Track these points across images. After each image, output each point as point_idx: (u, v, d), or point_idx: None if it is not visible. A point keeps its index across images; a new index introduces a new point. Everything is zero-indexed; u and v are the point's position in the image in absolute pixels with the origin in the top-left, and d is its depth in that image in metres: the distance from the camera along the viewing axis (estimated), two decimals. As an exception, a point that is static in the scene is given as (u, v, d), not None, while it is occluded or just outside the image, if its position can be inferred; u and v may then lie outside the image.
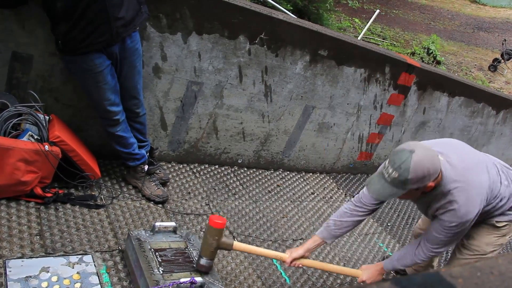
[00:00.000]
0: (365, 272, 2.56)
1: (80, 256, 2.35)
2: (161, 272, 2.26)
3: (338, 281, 3.09)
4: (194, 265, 2.40)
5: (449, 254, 2.94)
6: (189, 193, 3.32)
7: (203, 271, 2.37)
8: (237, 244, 2.41)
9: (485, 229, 2.53)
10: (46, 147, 2.49)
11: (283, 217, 3.52)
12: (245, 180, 3.83)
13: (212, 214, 2.31)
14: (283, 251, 3.10)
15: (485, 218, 2.44)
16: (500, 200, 2.34)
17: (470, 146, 2.43)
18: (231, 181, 3.73)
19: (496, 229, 2.51)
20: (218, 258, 2.80)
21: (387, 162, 2.08)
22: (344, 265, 3.26)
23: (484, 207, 2.25)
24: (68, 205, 2.69)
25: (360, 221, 2.58)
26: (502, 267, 0.69)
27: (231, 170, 3.87)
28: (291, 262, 2.48)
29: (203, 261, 2.35)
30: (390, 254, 3.63)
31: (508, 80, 11.70)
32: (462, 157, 2.24)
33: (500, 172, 2.36)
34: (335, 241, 3.47)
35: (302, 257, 2.50)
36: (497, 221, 2.47)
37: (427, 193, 2.20)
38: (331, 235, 2.54)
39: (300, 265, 2.52)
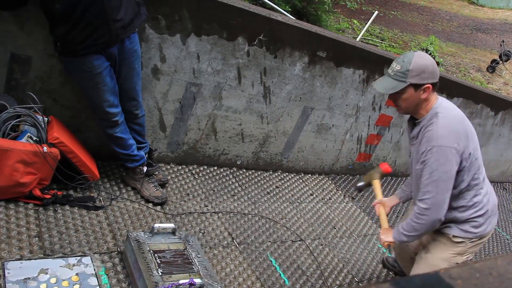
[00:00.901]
0: (383, 231, 2.67)
1: (79, 258, 2.35)
2: (160, 274, 2.26)
3: (337, 282, 3.09)
4: (193, 267, 2.40)
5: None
6: (188, 194, 3.32)
7: (357, 190, 3.04)
8: (375, 182, 2.91)
9: (442, 243, 2.52)
10: (45, 148, 2.49)
11: (282, 219, 3.52)
12: (244, 181, 3.83)
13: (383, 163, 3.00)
14: (282, 252, 3.11)
15: (452, 216, 2.39)
16: (467, 171, 2.29)
17: None
18: (230, 182, 3.73)
19: (452, 245, 2.48)
20: (217, 259, 2.80)
21: (393, 61, 2.28)
22: (343, 266, 3.26)
23: (461, 169, 2.24)
24: (67, 207, 2.69)
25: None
26: (501, 268, 0.69)
27: (230, 171, 3.87)
28: (376, 203, 2.85)
29: (360, 184, 2.95)
30: (389, 255, 3.63)
31: (506, 81, 11.73)
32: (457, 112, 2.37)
33: (481, 167, 2.41)
34: (333, 243, 3.47)
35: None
36: (454, 236, 2.45)
37: (419, 122, 2.30)
38: (401, 190, 2.89)
39: (377, 212, 2.84)
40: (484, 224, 2.43)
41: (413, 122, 2.41)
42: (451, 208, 2.33)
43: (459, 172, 2.25)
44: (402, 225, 2.45)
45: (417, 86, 2.20)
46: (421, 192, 2.28)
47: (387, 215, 2.79)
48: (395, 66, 2.22)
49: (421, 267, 2.65)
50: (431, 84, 2.21)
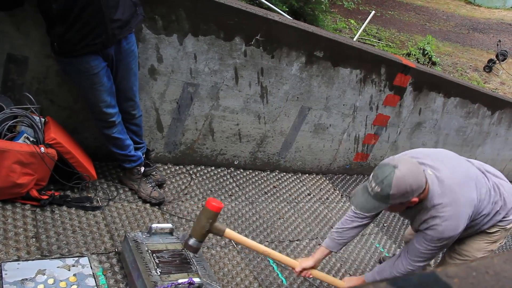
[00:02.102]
0: (348, 283, 2.55)
1: (76, 258, 2.34)
2: (159, 274, 2.26)
3: (335, 281, 3.09)
4: (191, 267, 2.40)
5: (438, 258, 2.95)
6: (185, 194, 3.31)
7: (191, 251, 2.32)
8: (229, 231, 2.30)
9: (477, 235, 2.52)
10: (42, 149, 2.49)
11: (279, 218, 3.53)
12: (241, 181, 3.83)
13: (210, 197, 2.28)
14: (280, 252, 3.10)
15: (469, 232, 2.43)
16: (484, 217, 2.34)
17: (465, 160, 2.40)
18: (228, 182, 3.73)
19: (487, 235, 2.50)
20: (215, 259, 2.80)
21: (371, 176, 2.08)
22: (341, 266, 3.26)
23: (467, 224, 2.23)
24: (64, 207, 2.68)
25: (362, 227, 2.57)
26: (497, 266, 0.70)
27: (227, 172, 3.87)
28: (301, 271, 2.49)
29: (192, 242, 2.26)
30: (387, 254, 3.64)
31: (503, 81, 11.76)
32: (452, 172, 2.21)
33: (491, 190, 2.33)
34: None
35: (312, 267, 2.51)
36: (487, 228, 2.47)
37: (412, 207, 2.21)
38: (336, 243, 2.56)
39: (310, 275, 2.52)
40: (510, 212, 2.44)
41: None
42: (469, 228, 2.35)
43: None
44: (379, 270, 2.48)
45: (401, 203, 2.08)
46: (415, 253, 2.28)
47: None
48: (375, 186, 2.02)
49: (456, 259, 2.64)
50: (417, 197, 2.05)
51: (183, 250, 2.51)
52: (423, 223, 2.22)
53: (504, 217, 2.42)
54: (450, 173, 2.19)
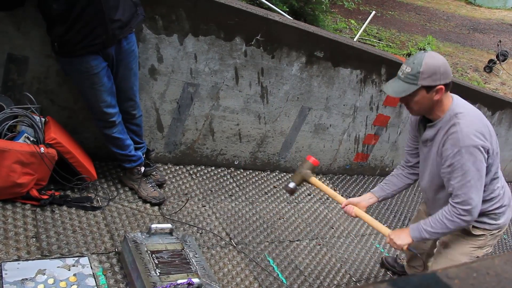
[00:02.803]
0: (395, 233, 2.45)
1: (76, 258, 2.34)
2: (158, 274, 2.26)
3: (335, 282, 3.09)
4: (190, 267, 2.40)
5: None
6: (185, 194, 3.31)
7: (289, 193, 2.74)
8: (313, 179, 2.65)
9: (462, 237, 2.51)
10: (42, 149, 2.49)
11: (279, 219, 3.53)
12: (241, 181, 3.83)
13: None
14: (280, 252, 3.11)
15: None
16: (491, 166, 2.28)
17: None
18: (228, 182, 3.72)
19: (472, 239, 2.48)
20: (215, 259, 2.80)
21: (402, 63, 2.19)
22: (341, 266, 3.26)
23: (487, 165, 2.19)
24: (64, 207, 2.68)
25: (405, 179, 2.66)
26: (498, 267, 0.69)
27: (227, 172, 3.87)
28: (345, 205, 2.58)
29: (292, 185, 2.66)
30: (387, 254, 3.63)
31: (503, 81, 11.76)
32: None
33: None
34: (331, 243, 3.48)
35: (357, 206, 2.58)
36: (473, 227, 2.43)
37: (433, 124, 2.26)
38: (380, 188, 2.69)
39: (353, 214, 2.55)
40: (502, 215, 2.43)
41: (425, 124, 2.34)
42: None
43: (489, 167, 2.24)
44: (426, 222, 2.33)
45: (429, 88, 2.12)
46: (455, 195, 2.20)
47: None
48: (405, 68, 2.14)
49: (440, 263, 2.62)
50: (443, 85, 2.13)
51: (182, 251, 2.51)
52: (445, 141, 2.20)
53: (496, 208, 2.39)
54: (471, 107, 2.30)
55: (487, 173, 2.24)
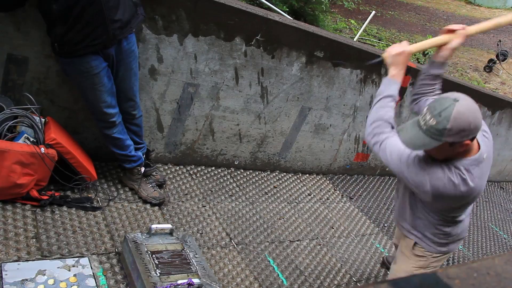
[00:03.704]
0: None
1: (76, 259, 2.34)
2: (158, 274, 2.25)
3: (335, 282, 3.09)
4: (191, 267, 2.40)
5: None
6: (185, 194, 3.31)
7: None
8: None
9: (405, 256, 2.49)
10: (42, 149, 2.49)
11: (279, 219, 3.52)
12: (241, 181, 3.83)
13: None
14: (280, 252, 3.11)
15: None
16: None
17: None
18: (228, 182, 3.72)
19: (414, 258, 2.44)
20: (215, 259, 2.80)
21: (425, 109, 1.89)
22: (341, 266, 3.26)
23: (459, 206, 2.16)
24: (65, 208, 2.68)
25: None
26: (498, 267, 0.69)
27: (227, 172, 3.87)
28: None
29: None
30: (387, 254, 3.63)
31: (503, 81, 11.75)
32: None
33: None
34: (331, 243, 3.48)
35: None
36: (415, 244, 2.40)
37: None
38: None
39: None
40: (448, 244, 2.38)
41: None
42: (422, 218, 2.28)
43: (454, 208, 2.18)
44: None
45: (453, 143, 1.85)
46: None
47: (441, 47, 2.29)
48: (430, 119, 1.82)
49: (389, 277, 2.68)
50: (470, 140, 1.86)
51: (182, 251, 2.51)
52: None
53: (441, 238, 2.34)
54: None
55: (449, 214, 2.22)
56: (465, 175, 1.94)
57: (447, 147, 1.86)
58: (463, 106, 1.78)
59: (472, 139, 1.87)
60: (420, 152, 2.01)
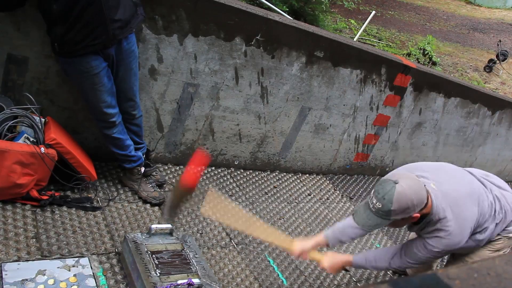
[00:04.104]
0: (329, 259, 2.48)
1: (76, 259, 2.34)
2: (158, 274, 2.25)
3: (335, 282, 3.09)
4: (191, 267, 2.40)
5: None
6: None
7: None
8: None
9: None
10: (42, 149, 2.48)
11: (279, 219, 3.52)
12: (241, 181, 3.83)
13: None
14: (280, 252, 3.10)
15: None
16: (484, 231, 2.33)
17: (467, 173, 2.41)
18: (228, 182, 3.72)
19: (490, 243, 2.48)
20: (216, 259, 2.80)
21: (372, 192, 2.11)
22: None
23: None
24: (64, 208, 2.68)
25: (363, 233, 2.51)
26: (498, 268, 0.69)
27: (227, 172, 3.87)
28: (299, 254, 2.45)
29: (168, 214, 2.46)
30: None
31: (503, 81, 11.76)
32: (456, 185, 2.24)
33: (493, 204, 2.33)
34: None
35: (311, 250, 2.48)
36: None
37: (416, 223, 2.24)
38: (334, 237, 2.50)
39: (307, 258, 2.50)
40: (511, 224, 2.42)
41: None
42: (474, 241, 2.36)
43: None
44: (373, 259, 2.46)
45: (403, 218, 2.09)
46: (413, 256, 2.32)
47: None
48: (376, 203, 2.04)
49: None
50: (418, 212, 2.08)
51: (182, 251, 2.50)
52: (427, 233, 2.25)
53: (505, 229, 2.41)
54: (454, 186, 2.22)
55: (481, 233, 2.33)
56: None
57: (400, 220, 2.10)
58: (403, 187, 2.00)
59: (421, 211, 2.08)
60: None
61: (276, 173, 4.23)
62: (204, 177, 3.63)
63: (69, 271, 2.24)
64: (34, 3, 2.40)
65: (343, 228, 2.48)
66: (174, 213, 2.43)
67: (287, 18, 3.92)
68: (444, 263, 2.83)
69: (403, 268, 2.42)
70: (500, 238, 2.45)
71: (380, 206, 2.02)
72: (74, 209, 2.70)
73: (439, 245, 2.19)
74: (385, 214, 2.03)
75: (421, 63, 9.84)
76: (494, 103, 5.60)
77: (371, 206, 2.07)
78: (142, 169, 3.06)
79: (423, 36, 12.78)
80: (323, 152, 4.49)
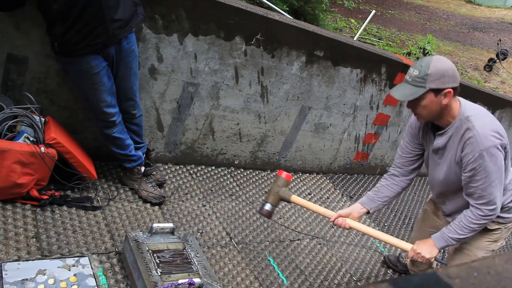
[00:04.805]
0: (420, 245, 2.43)
1: (76, 258, 2.34)
2: (159, 274, 2.25)
3: (336, 281, 3.09)
4: (192, 267, 2.40)
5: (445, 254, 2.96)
6: (185, 194, 3.31)
7: (266, 216, 2.62)
8: (294, 197, 2.57)
9: (478, 233, 2.48)
10: (42, 149, 2.49)
11: (280, 218, 3.52)
12: (241, 181, 3.83)
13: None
14: (280, 252, 3.11)
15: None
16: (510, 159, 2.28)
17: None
18: (228, 182, 3.72)
19: (487, 233, 2.50)
20: (216, 259, 2.80)
21: (409, 68, 2.16)
22: (341, 265, 3.26)
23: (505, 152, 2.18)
24: (65, 207, 2.68)
25: (398, 188, 2.58)
26: (498, 267, 0.69)
27: (227, 171, 3.87)
28: (336, 218, 2.52)
29: (267, 206, 2.57)
30: (387, 253, 3.63)
31: (503, 80, 11.75)
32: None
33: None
34: (332, 242, 3.47)
35: (349, 217, 2.54)
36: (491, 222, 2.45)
37: (443, 132, 2.23)
38: (370, 200, 2.59)
39: (347, 226, 2.51)
40: None
41: (434, 131, 2.32)
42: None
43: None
44: (450, 230, 2.34)
45: (437, 91, 2.08)
46: (479, 197, 2.21)
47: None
48: (413, 71, 2.10)
49: (458, 258, 2.62)
50: (452, 88, 2.09)
51: (183, 250, 2.51)
52: (461, 147, 2.18)
53: (510, 201, 2.40)
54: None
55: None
56: None
57: (433, 98, 2.09)
58: (440, 58, 2.11)
59: (453, 89, 2.10)
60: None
61: (276, 173, 4.22)
62: (204, 177, 3.64)
63: (69, 270, 2.25)
64: (34, 2, 2.40)
65: (376, 188, 2.61)
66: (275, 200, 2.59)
67: (287, 18, 3.92)
68: (446, 256, 2.83)
69: (486, 217, 2.26)
70: (498, 228, 2.47)
71: (417, 73, 2.08)
72: (74, 208, 2.70)
73: (476, 145, 2.11)
74: (421, 80, 2.06)
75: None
76: (494, 102, 5.60)
77: (408, 78, 2.13)
78: (142, 169, 3.06)
79: (423, 35, 12.78)
80: (323, 151, 4.49)
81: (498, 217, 2.41)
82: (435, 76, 2.05)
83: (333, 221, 2.54)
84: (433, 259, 2.39)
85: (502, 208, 2.38)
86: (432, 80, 2.05)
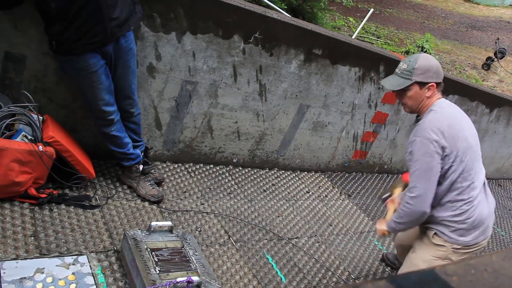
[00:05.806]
0: (379, 222, 2.71)
1: (75, 257, 2.34)
2: (158, 272, 2.26)
3: (334, 279, 3.09)
4: (190, 265, 2.40)
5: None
6: (184, 192, 3.31)
7: (382, 201, 2.92)
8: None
9: (425, 244, 2.54)
10: (40, 147, 2.48)
11: (278, 216, 3.53)
12: (240, 179, 3.83)
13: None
14: (279, 250, 3.11)
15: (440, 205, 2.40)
16: (462, 175, 2.32)
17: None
18: (226, 180, 3.72)
19: (433, 247, 2.48)
20: (214, 257, 2.81)
21: (400, 62, 2.44)
22: (339, 263, 3.26)
23: (447, 168, 2.29)
24: (63, 206, 2.68)
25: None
26: (495, 264, 0.70)
27: (226, 170, 3.87)
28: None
29: (386, 195, 2.86)
30: (386, 251, 3.64)
31: (501, 79, 11.76)
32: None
33: (478, 174, 2.42)
34: (330, 240, 3.48)
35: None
36: (434, 235, 2.46)
37: (420, 119, 2.41)
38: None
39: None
40: (464, 232, 2.40)
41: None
42: (432, 206, 2.36)
43: (446, 170, 2.32)
44: (395, 214, 2.53)
45: (422, 84, 2.35)
46: (409, 182, 2.40)
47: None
48: (402, 65, 2.38)
49: (405, 266, 2.69)
50: (435, 83, 2.35)
51: (182, 248, 2.51)
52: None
53: (456, 220, 2.39)
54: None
55: (445, 178, 2.32)
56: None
57: (418, 90, 2.36)
58: (426, 55, 2.41)
59: (436, 84, 2.36)
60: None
61: (275, 171, 4.23)
62: (203, 175, 3.64)
63: (68, 269, 2.25)
64: (31, 1, 2.39)
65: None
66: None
67: (286, 16, 3.91)
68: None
69: (413, 205, 2.35)
70: (444, 245, 2.45)
71: (405, 67, 2.36)
72: (72, 207, 2.70)
73: (415, 133, 2.33)
74: (409, 73, 2.34)
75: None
76: (492, 101, 5.61)
77: (397, 70, 2.41)
78: (141, 167, 3.06)
79: (422, 34, 12.78)
80: (322, 149, 4.49)
81: (441, 232, 2.43)
82: (421, 70, 2.32)
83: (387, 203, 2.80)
84: (381, 232, 2.63)
85: (444, 223, 2.41)
86: (418, 73, 2.32)
